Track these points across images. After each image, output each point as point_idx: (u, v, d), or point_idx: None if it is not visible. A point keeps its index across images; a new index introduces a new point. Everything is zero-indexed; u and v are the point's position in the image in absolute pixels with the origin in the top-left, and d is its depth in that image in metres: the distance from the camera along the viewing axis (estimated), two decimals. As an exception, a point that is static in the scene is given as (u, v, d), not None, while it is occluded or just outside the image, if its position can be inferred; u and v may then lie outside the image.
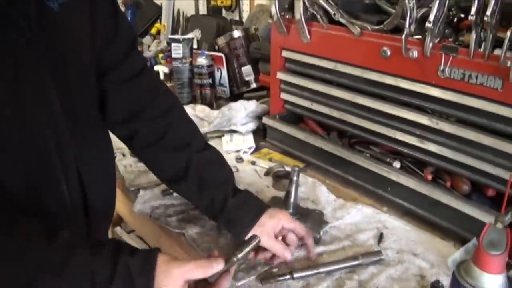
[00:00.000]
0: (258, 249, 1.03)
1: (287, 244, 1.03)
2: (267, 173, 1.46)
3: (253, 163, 1.53)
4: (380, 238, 1.15)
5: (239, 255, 0.89)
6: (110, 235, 1.65)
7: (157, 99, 1.10)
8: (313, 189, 1.36)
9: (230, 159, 1.55)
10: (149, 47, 2.37)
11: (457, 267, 0.70)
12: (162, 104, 1.10)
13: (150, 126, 1.07)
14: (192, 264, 0.82)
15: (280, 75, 1.56)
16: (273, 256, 1.04)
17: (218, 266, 0.84)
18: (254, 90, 2.01)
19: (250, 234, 0.99)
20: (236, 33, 2.00)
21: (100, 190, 1.00)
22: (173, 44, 1.97)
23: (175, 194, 1.32)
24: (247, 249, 0.90)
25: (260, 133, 1.71)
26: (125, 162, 1.53)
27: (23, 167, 0.82)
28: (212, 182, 1.07)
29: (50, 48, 0.83)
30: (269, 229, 1.01)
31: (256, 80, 2.00)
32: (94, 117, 1.01)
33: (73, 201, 0.91)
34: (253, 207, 1.06)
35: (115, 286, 0.76)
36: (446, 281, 0.96)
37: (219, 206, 1.05)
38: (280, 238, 1.04)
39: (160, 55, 2.16)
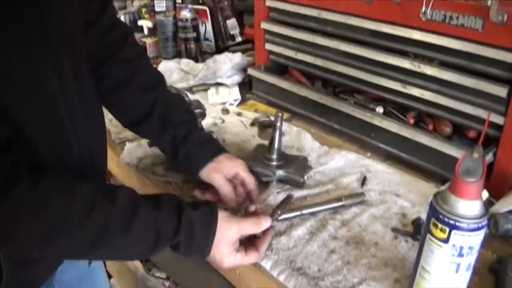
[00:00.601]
0: (207, 188, 1.06)
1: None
2: (252, 123, 1.46)
3: (239, 114, 1.54)
4: (364, 181, 1.16)
5: (280, 212, 1.01)
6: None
7: (126, 47, 1.10)
8: (298, 138, 1.36)
9: (216, 111, 1.56)
10: (133, 1, 2.32)
11: (434, 196, 0.71)
12: (130, 52, 1.11)
13: (118, 71, 1.07)
14: (249, 221, 0.90)
15: (264, 25, 1.55)
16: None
17: (267, 223, 0.91)
18: (239, 43, 1.99)
19: (205, 171, 1.04)
20: (220, -14, 1.95)
21: (98, 147, 1.01)
22: (155, -2, 1.92)
23: None
24: (287, 207, 1.03)
25: (246, 86, 1.70)
26: (111, 116, 1.51)
27: (45, 129, 0.82)
28: (175, 121, 1.08)
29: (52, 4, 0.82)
30: (224, 168, 1.04)
31: (241, 33, 1.97)
32: (89, 72, 1.00)
33: (82, 158, 0.91)
34: (213, 145, 1.10)
35: (179, 238, 0.81)
36: (427, 218, 0.98)
37: (179, 141, 1.06)
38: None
39: (144, 10, 2.12)
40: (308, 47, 1.44)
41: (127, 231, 0.77)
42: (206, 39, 2.01)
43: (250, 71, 1.61)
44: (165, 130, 1.08)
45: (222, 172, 1.04)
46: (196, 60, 1.90)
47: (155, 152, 1.30)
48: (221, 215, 0.86)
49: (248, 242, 0.91)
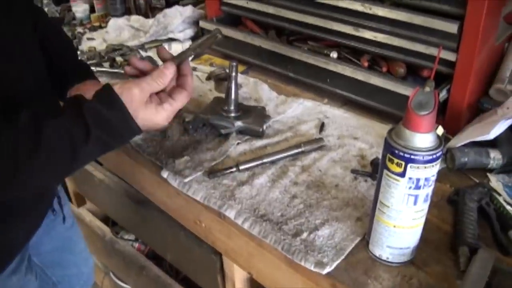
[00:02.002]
0: None
1: None
2: (208, 78, 1.44)
3: (194, 69, 1.50)
4: (322, 127, 1.16)
5: (192, 47, 0.90)
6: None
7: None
8: (255, 88, 1.35)
9: (170, 68, 1.51)
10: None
11: (389, 133, 0.71)
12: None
13: None
14: (147, 79, 0.81)
15: (213, -26, 1.49)
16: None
17: (170, 70, 0.84)
18: (190, -4, 1.92)
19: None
20: None
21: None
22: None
23: None
24: (201, 40, 0.93)
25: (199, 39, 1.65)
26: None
27: None
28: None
29: None
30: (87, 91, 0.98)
31: (191, -14, 1.90)
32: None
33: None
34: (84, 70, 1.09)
35: (93, 132, 0.74)
36: (384, 158, 0.99)
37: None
38: None
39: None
40: (260, -6, 1.40)
41: (39, 146, 0.71)
42: (155, -5, 1.93)
43: (202, 23, 1.57)
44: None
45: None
46: (146, 16, 1.84)
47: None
48: (118, 88, 0.78)
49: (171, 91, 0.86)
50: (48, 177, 0.76)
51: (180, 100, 0.85)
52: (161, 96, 0.85)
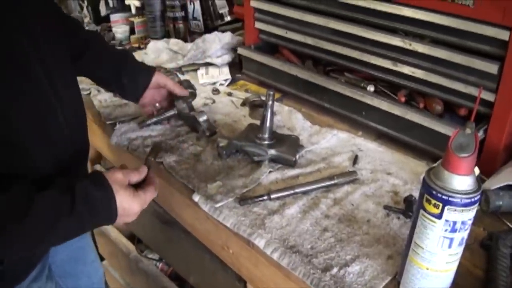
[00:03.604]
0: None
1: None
2: (243, 103, 1.45)
3: (230, 94, 1.53)
4: (355, 159, 1.16)
5: (152, 159, 1.07)
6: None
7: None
8: (289, 117, 1.36)
9: (206, 91, 1.55)
10: (119, -19, 2.28)
11: (427, 172, 0.71)
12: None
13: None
14: (129, 170, 0.93)
15: (254, 3, 1.53)
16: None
17: (144, 170, 0.97)
18: (228, 23, 1.97)
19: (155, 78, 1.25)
20: (208, -36, 1.92)
21: (79, 116, 1.03)
22: (143, -24, 1.89)
23: (152, 125, 1.32)
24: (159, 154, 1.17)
25: (236, 65, 1.69)
26: (100, 97, 1.51)
27: (26, 100, 0.84)
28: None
29: None
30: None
31: (230, 12, 1.95)
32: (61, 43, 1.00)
33: (70, 130, 0.94)
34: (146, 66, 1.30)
35: (78, 207, 0.81)
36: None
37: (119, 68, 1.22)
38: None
39: (131, -11, 2.09)
40: (298, 25, 1.43)
41: (25, 218, 0.77)
42: (194, 18, 1.98)
43: (240, 50, 1.59)
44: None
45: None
46: (184, 40, 1.88)
47: (145, 134, 1.29)
48: (104, 172, 0.89)
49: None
50: (28, 245, 0.82)
51: (150, 192, 0.94)
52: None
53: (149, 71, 1.26)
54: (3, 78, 0.79)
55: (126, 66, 1.23)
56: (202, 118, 1.26)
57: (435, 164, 1.04)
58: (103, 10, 2.07)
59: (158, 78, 1.26)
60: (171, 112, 1.32)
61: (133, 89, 1.25)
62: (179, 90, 1.29)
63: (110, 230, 1.86)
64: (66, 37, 1.04)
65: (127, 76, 1.22)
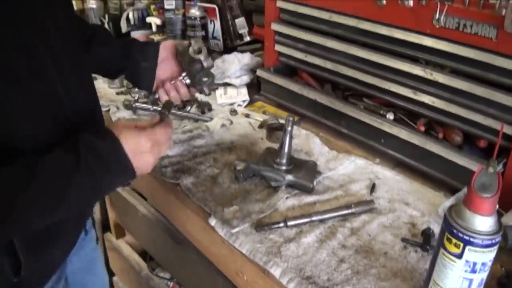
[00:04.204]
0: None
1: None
2: (261, 126, 1.45)
3: (247, 115, 1.54)
4: (373, 188, 1.16)
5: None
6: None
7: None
8: (306, 141, 1.36)
9: (224, 112, 1.56)
10: (141, -2, 2.32)
11: (448, 210, 0.71)
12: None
13: None
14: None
15: (275, 26, 1.54)
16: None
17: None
18: (248, 43, 1.98)
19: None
20: (230, -16, 1.95)
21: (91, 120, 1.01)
22: (165, -5, 1.93)
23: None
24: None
25: (254, 86, 1.70)
26: (119, 115, 1.53)
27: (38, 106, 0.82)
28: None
29: None
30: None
31: (250, 33, 1.97)
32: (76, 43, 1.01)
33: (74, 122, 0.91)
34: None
35: (83, 157, 0.77)
36: (436, 228, 0.98)
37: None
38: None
39: (152, 6, 2.12)
40: (318, 49, 1.44)
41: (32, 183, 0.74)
42: (214, 37, 2.00)
43: (259, 72, 1.61)
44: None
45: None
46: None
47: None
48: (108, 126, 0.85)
49: None
50: (43, 212, 0.78)
51: (160, 127, 0.90)
52: None
53: (156, 43, 1.22)
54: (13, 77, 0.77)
55: (133, 43, 1.21)
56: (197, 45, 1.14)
57: (452, 199, 1.04)
58: (124, 27, 2.10)
59: (165, 43, 1.21)
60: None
61: (143, 59, 1.19)
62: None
63: (123, 246, 1.87)
64: (78, 33, 1.03)
65: (135, 50, 1.19)
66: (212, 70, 1.63)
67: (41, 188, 0.75)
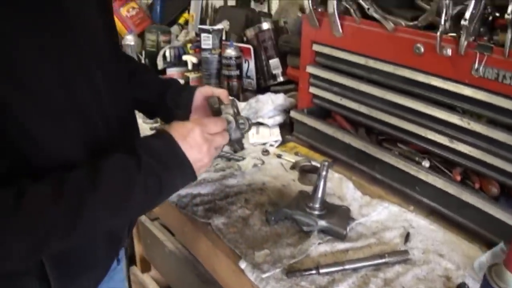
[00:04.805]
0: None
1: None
2: (293, 167, 1.46)
3: (279, 156, 1.54)
4: (407, 237, 1.15)
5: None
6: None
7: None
8: (339, 185, 1.36)
9: (256, 152, 1.57)
10: (177, 36, 2.39)
11: (488, 270, 0.70)
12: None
13: None
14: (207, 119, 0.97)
15: (310, 69, 1.56)
16: None
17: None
18: (281, 83, 2.01)
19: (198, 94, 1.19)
20: (265, 25, 1.99)
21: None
22: (202, 35, 1.98)
23: (202, 184, 1.34)
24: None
25: (287, 127, 1.71)
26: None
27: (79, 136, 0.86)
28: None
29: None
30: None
31: (283, 73, 2.00)
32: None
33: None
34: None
35: (143, 159, 0.83)
36: (472, 283, 0.96)
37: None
38: None
39: (189, 45, 2.18)
40: (354, 93, 1.45)
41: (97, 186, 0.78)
42: (248, 76, 2.04)
43: (293, 113, 1.62)
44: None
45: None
46: (237, 97, 1.93)
47: (195, 191, 1.32)
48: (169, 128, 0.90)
49: None
50: (111, 212, 0.81)
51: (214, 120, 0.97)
52: None
53: (192, 87, 1.24)
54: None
55: (170, 87, 1.22)
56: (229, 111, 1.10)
57: (487, 253, 1.02)
58: (160, 64, 2.16)
59: (201, 90, 1.21)
60: None
61: (177, 106, 1.21)
62: (223, 95, 1.17)
63: (148, 281, 1.88)
64: (122, 68, 1.07)
65: (171, 96, 1.21)
66: (246, 110, 1.67)
67: (106, 188, 0.79)
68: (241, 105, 1.77)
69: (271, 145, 1.63)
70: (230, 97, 1.17)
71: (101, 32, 0.93)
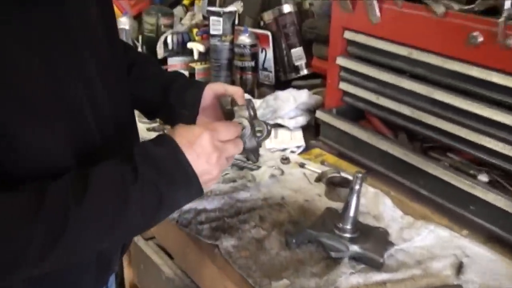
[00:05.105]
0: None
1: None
2: (318, 179, 1.44)
3: (302, 165, 1.52)
4: (460, 268, 1.11)
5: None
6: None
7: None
8: (375, 202, 1.33)
9: (274, 159, 1.55)
10: (181, 19, 2.37)
11: None
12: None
13: None
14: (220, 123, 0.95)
15: (341, 61, 1.54)
16: None
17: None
18: (304, 77, 2.00)
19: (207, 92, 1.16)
20: (287, 8, 1.98)
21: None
22: (211, 18, 1.97)
23: (209, 197, 1.33)
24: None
25: (312, 130, 1.70)
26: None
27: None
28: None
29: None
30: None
31: (307, 65, 1.98)
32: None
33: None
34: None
35: (140, 169, 0.81)
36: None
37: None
38: None
39: (195, 30, 2.16)
40: (393, 91, 1.42)
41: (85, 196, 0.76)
42: (265, 68, 2.02)
43: (319, 114, 1.60)
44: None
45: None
46: (252, 93, 1.92)
47: (200, 206, 1.30)
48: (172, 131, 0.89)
49: None
50: (99, 231, 0.80)
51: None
52: None
53: (201, 83, 1.21)
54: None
55: (175, 83, 1.20)
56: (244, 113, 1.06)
57: None
58: (160, 52, 2.15)
59: (212, 87, 1.18)
60: None
61: (183, 105, 1.18)
62: (238, 94, 1.14)
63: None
64: (121, 60, 1.07)
65: (175, 93, 1.19)
66: (261, 109, 1.64)
67: (95, 202, 0.77)
68: (257, 103, 1.75)
69: (292, 152, 1.61)
70: (247, 97, 1.14)
71: (95, 15, 0.93)
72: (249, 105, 1.08)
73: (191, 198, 0.90)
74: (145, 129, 1.72)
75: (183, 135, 0.87)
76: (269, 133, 1.08)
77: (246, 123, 1.01)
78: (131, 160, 0.81)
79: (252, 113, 1.06)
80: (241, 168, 1.49)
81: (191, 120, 1.17)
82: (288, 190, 1.40)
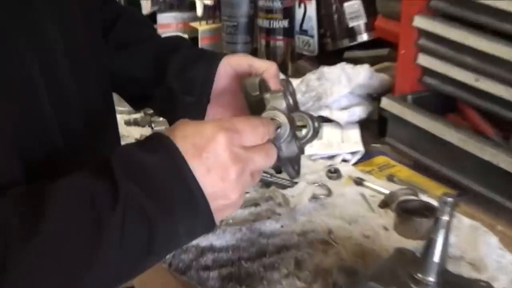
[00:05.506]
0: None
1: None
2: (384, 204, 1.44)
3: (359, 182, 1.53)
4: None
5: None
6: None
7: None
8: (471, 240, 1.33)
9: (317, 172, 1.57)
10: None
11: None
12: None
13: None
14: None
15: (420, 22, 1.54)
16: None
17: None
18: (364, 45, 2.02)
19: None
20: None
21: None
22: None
23: (218, 229, 1.35)
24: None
25: (374, 127, 1.72)
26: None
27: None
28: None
29: None
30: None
31: (368, 28, 2.00)
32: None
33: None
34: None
35: (123, 187, 0.79)
36: None
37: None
38: None
39: (199, -22, 2.19)
40: (503, 69, 1.41)
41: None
42: (303, 31, 2.03)
43: (386, 102, 1.61)
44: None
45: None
46: (284, 69, 1.93)
47: (204, 243, 1.32)
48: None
49: None
50: (56, 282, 0.79)
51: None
52: None
53: (214, 55, 1.24)
54: None
55: (176, 53, 1.23)
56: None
57: None
58: (146, 6, 2.16)
59: (230, 61, 1.20)
60: None
61: (187, 89, 1.21)
62: (271, 73, 1.15)
63: None
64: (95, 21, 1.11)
65: (175, 69, 1.21)
66: (299, 94, 1.64)
67: (51, 237, 0.76)
68: (293, 82, 1.74)
69: (345, 161, 1.63)
70: (283, 77, 1.13)
71: None
72: (287, 90, 1.08)
73: (196, 234, 0.89)
74: (123, 122, 1.73)
75: (187, 137, 0.85)
76: (316, 133, 1.08)
77: (283, 118, 1.00)
78: (109, 172, 0.80)
79: (291, 103, 1.06)
80: (268, 184, 1.50)
81: (198, 111, 1.18)
82: (338, 219, 1.40)
